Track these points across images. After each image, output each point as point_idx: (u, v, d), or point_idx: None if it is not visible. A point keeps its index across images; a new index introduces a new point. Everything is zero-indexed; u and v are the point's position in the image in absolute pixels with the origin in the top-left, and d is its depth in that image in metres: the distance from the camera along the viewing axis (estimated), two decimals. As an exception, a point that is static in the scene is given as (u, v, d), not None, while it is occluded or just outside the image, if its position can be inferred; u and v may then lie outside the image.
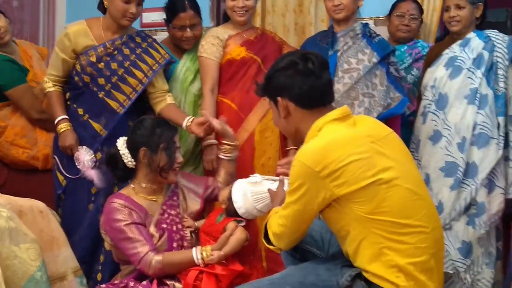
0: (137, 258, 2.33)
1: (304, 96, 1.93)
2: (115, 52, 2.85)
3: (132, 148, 2.49)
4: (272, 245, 2.04)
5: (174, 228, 2.49)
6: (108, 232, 2.44)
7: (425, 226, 1.83)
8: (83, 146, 2.83)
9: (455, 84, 2.80)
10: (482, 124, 2.72)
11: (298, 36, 3.71)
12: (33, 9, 4.35)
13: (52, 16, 4.40)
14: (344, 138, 1.87)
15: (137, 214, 2.43)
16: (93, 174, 2.79)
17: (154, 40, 2.99)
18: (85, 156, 2.81)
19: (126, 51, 2.86)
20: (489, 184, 2.72)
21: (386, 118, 2.86)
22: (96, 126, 2.86)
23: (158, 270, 2.31)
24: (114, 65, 2.83)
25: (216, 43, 3.01)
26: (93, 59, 2.83)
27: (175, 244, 2.44)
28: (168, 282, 2.32)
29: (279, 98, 1.97)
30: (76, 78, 2.87)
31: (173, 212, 2.54)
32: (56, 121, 2.85)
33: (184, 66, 3.11)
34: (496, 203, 2.70)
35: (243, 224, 2.43)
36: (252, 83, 2.94)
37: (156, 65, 2.90)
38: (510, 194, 2.76)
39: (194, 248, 2.36)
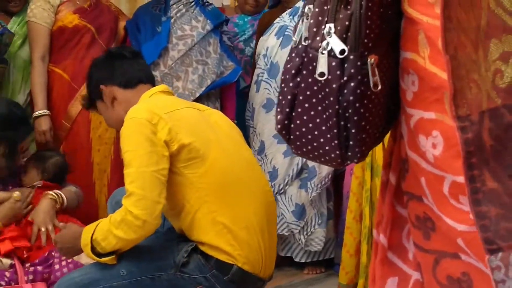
0: None
1: (122, 75, 2.00)
2: None
3: None
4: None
5: None
6: None
7: (253, 191, 1.89)
8: None
9: (285, 54, 2.79)
10: (313, 93, 2.83)
11: (130, 4, 3.58)
12: None
13: None
14: (173, 100, 2.01)
15: None
16: None
17: None
18: None
19: None
20: (319, 148, 2.85)
21: (220, 86, 2.91)
22: None
23: None
24: None
25: (47, 8, 2.80)
26: None
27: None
28: None
29: (102, 87, 2.00)
30: None
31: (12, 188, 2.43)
32: None
33: (12, 30, 2.84)
34: (325, 166, 2.83)
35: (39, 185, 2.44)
36: (86, 52, 2.82)
37: None
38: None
39: None
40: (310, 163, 2.82)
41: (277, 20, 2.96)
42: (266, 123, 2.89)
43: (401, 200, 1.11)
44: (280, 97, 1.05)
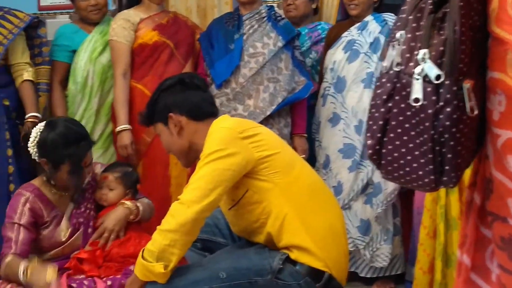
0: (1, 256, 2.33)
1: (195, 108, 2.05)
2: None
3: (38, 149, 2.35)
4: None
5: (91, 223, 2.44)
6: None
7: (332, 200, 2.02)
8: None
9: (352, 68, 2.88)
10: (378, 108, 2.82)
11: (200, 19, 3.68)
12: None
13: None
14: (248, 121, 2.13)
15: (32, 216, 2.34)
16: None
17: (10, 9, 2.96)
18: None
19: None
20: (385, 164, 2.83)
21: (291, 102, 2.92)
22: None
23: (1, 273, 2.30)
24: None
25: (127, 26, 2.96)
26: None
27: (90, 241, 2.40)
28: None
29: (171, 114, 2.04)
30: None
31: (89, 206, 2.49)
32: None
33: (93, 38, 3.07)
34: (391, 183, 2.81)
35: None
36: (165, 68, 2.94)
37: (16, 28, 2.88)
38: (406, 173, 2.88)
39: (22, 265, 2.25)
40: (376, 179, 2.81)
41: (345, 33, 2.97)
42: (332, 137, 2.90)
43: (485, 221, 1.10)
44: (371, 122, 1.06)
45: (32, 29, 3.03)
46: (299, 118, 2.98)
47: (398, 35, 1.02)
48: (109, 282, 2.33)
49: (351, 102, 2.85)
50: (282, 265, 1.87)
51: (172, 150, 2.14)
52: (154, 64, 2.97)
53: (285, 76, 2.88)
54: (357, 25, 2.95)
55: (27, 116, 2.85)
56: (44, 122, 2.40)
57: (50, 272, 2.17)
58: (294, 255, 1.88)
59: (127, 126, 2.88)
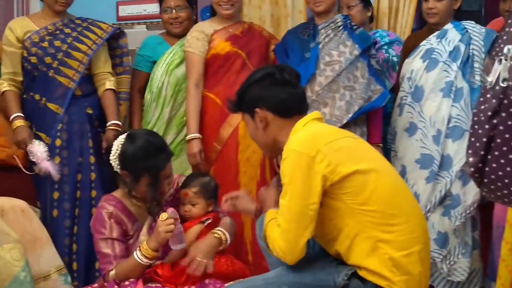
0: (102, 272, 2.40)
1: (282, 104, 1.99)
2: (57, 32, 2.97)
3: (119, 162, 2.41)
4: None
5: None
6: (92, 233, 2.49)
7: (413, 216, 1.89)
8: (36, 140, 2.87)
9: (431, 77, 2.82)
10: (457, 117, 2.76)
11: (274, 28, 3.70)
12: (6, 11, 4.34)
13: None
14: (330, 130, 2.02)
15: (120, 227, 2.41)
16: (48, 166, 2.83)
17: (94, 21, 3.09)
18: (38, 148, 2.84)
19: (67, 30, 2.98)
20: (464, 176, 2.75)
21: (367, 111, 2.89)
22: (53, 106, 2.93)
23: (115, 282, 2.34)
24: (57, 43, 2.94)
25: (201, 37, 3.03)
26: (36, 39, 2.93)
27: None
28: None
29: (257, 109, 2.01)
30: (25, 64, 2.95)
31: None
32: (11, 118, 2.90)
33: (173, 50, 3.17)
34: (471, 194, 2.73)
35: (208, 222, 2.46)
36: (236, 77, 2.96)
37: (99, 39, 3.01)
38: (485, 185, 2.80)
39: (135, 251, 2.33)
40: (454, 191, 2.74)
41: (424, 42, 2.92)
42: (408, 147, 2.85)
43: None
44: (473, 139, 1.03)
45: (114, 40, 3.14)
46: (375, 127, 2.94)
47: (505, 49, 0.97)
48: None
49: (429, 112, 2.80)
50: (347, 281, 1.83)
51: (256, 142, 2.13)
52: (226, 73, 3.02)
53: (361, 85, 2.85)
54: (436, 33, 2.90)
55: (108, 124, 2.95)
56: (125, 134, 2.46)
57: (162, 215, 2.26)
58: (362, 272, 1.83)
59: (197, 135, 2.94)
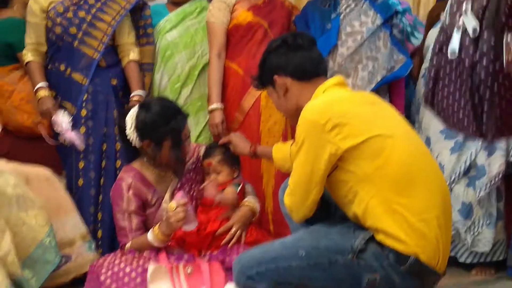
0: (119, 243, 2.46)
1: (298, 68, 2.02)
2: (81, 2, 2.97)
3: (138, 133, 2.44)
4: None
5: (193, 203, 2.51)
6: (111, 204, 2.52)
7: (433, 183, 1.88)
8: (60, 110, 2.89)
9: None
10: (483, 87, 2.72)
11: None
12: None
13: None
14: (348, 96, 2.01)
15: (138, 199, 2.45)
16: (73, 136, 2.85)
17: None
18: (63, 119, 2.86)
19: (91, 0, 2.98)
20: (489, 146, 2.70)
21: (390, 81, 2.88)
22: (78, 77, 2.95)
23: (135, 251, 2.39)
24: (82, 13, 2.95)
25: (223, 8, 3.02)
26: (61, 10, 2.94)
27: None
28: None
29: (275, 77, 2.04)
30: (50, 34, 2.97)
31: (193, 186, 2.57)
32: (35, 89, 2.92)
33: (168, 18, 3.19)
34: (496, 165, 2.69)
35: (240, 187, 2.49)
36: (258, 47, 2.96)
37: (123, 10, 3.01)
38: (511, 157, 2.77)
39: (149, 231, 2.37)
40: (480, 161, 2.70)
41: (447, 12, 2.87)
42: (433, 118, 2.77)
43: None
44: (427, 73, 1.05)
45: (137, 11, 3.14)
46: (397, 97, 2.93)
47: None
48: (206, 258, 2.40)
49: (454, 82, 2.76)
50: (365, 245, 1.83)
51: (282, 111, 2.17)
52: (248, 44, 3.02)
53: (384, 55, 2.84)
54: (459, 2, 2.84)
55: (133, 94, 2.98)
56: (136, 106, 2.49)
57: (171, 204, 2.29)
58: (379, 236, 1.83)
59: (219, 105, 2.95)
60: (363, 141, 1.82)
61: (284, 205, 2.10)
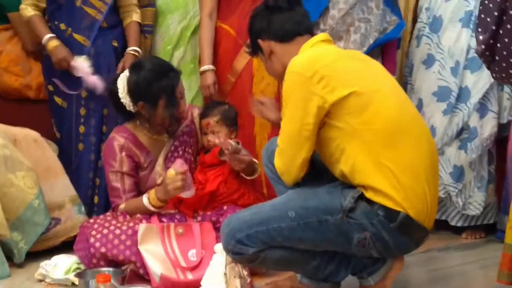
0: (111, 205, 2.44)
1: (279, 29, 2.00)
2: None
3: (131, 96, 2.40)
4: None
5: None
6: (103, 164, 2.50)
7: (420, 138, 1.86)
8: (79, 56, 2.80)
9: (449, 6, 2.76)
10: (476, 48, 2.69)
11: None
12: None
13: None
14: (335, 51, 1.99)
15: (131, 160, 2.42)
16: (95, 79, 2.78)
17: None
18: (83, 63, 2.77)
19: None
20: (482, 108, 2.71)
21: (383, 43, 2.83)
22: (79, 37, 2.88)
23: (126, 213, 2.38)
24: None
25: None
26: None
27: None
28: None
29: (259, 41, 2.03)
30: None
31: (187, 149, 2.54)
32: (44, 41, 2.82)
33: None
34: (488, 127, 2.70)
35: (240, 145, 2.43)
36: (250, 7, 2.85)
37: None
38: (503, 119, 2.76)
39: (144, 195, 2.35)
40: (472, 123, 2.70)
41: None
42: (425, 80, 2.81)
43: None
44: (483, 15, 0.98)
45: None
46: (389, 58, 2.89)
47: None
48: (199, 218, 2.40)
49: (448, 43, 2.74)
50: (354, 204, 1.81)
51: (271, 74, 2.14)
52: (240, 4, 2.95)
53: (376, 16, 2.78)
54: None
55: (128, 49, 2.90)
56: (126, 70, 2.44)
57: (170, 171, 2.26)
58: (368, 194, 1.81)
59: (210, 67, 2.90)
60: (350, 94, 1.79)
61: (267, 166, 2.10)
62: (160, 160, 2.48)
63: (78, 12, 2.86)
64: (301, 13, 2.06)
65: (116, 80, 2.45)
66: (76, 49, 2.85)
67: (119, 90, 2.42)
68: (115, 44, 2.94)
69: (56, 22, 2.89)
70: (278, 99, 2.94)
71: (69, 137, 2.90)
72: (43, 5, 2.89)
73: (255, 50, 2.09)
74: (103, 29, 2.90)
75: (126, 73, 2.43)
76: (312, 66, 1.82)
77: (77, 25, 2.86)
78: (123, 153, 2.41)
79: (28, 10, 2.85)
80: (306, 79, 1.80)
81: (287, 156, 1.88)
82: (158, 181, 2.32)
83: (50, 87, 2.92)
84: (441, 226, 2.91)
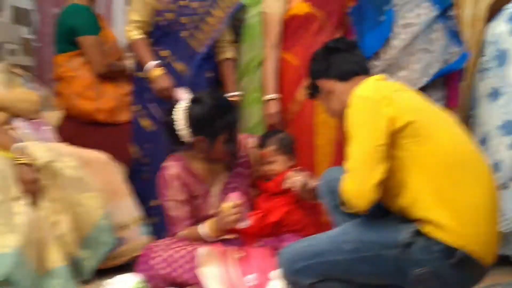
0: (168, 233, 2.49)
1: (339, 68, 2.06)
2: None
3: (192, 129, 2.38)
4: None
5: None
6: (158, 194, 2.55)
7: (480, 174, 1.86)
8: (180, 88, 2.83)
9: (517, 41, 2.71)
10: (543, 81, 2.64)
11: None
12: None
13: None
14: (397, 84, 2.07)
15: (185, 189, 2.45)
16: None
17: None
18: (184, 95, 2.73)
19: None
20: (548, 143, 2.65)
21: (446, 74, 2.81)
22: (179, 66, 2.96)
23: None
24: (194, 4, 2.94)
25: None
26: None
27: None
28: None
29: (319, 81, 2.10)
30: (160, 18, 2.94)
31: (242, 181, 2.56)
32: (148, 66, 2.89)
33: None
34: (554, 162, 2.63)
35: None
36: (314, 38, 2.95)
37: (228, 8, 3.01)
38: None
39: (200, 226, 2.39)
40: (538, 159, 2.64)
41: (508, 5, 2.80)
42: (491, 114, 2.76)
43: None
44: None
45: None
46: (453, 90, 2.87)
47: None
48: (261, 243, 2.42)
49: (513, 77, 2.69)
50: (411, 239, 1.80)
51: (331, 115, 2.18)
52: (304, 34, 3.00)
53: (439, 47, 2.78)
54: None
55: (229, 95, 2.94)
56: (183, 101, 2.44)
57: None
58: (426, 228, 1.80)
59: (275, 96, 2.95)
60: (415, 121, 1.81)
61: (327, 195, 2.11)
62: (216, 191, 2.52)
63: (181, 43, 2.95)
64: (359, 55, 2.14)
65: (171, 111, 2.46)
66: (175, 77, 2.93)
67: (176, 121, 2.41)
68: (209, 75, 3.00)
69: (156, 48, 2.97)
70: (340, 129, 2.96)
71: (152, 156, 2.95)
72: (149, 29, 2.96)
73: (314, 91, 2.15)
74: (199, 60, 2.97)
75: (183, 104, 2.43)
76: (380, 91, 1.88)
77: (179, 54, 2.95)
78: (178, 182, 2.44)
79: (133, 33, 2.93)
80: (375, 102, 1.84)
81: (360, 177, 1.81)
82: (214, 212, 2.36)
83: (137, 108, 3.01)
84: (504, 261, 2.82)
